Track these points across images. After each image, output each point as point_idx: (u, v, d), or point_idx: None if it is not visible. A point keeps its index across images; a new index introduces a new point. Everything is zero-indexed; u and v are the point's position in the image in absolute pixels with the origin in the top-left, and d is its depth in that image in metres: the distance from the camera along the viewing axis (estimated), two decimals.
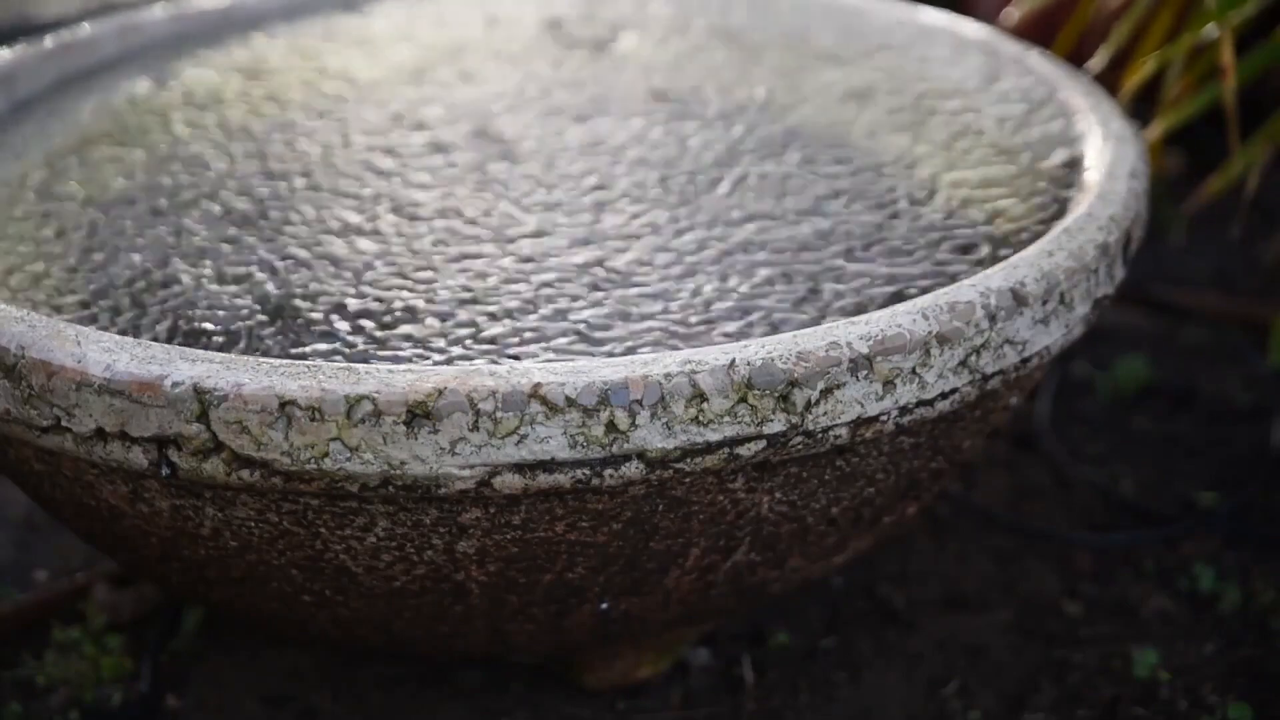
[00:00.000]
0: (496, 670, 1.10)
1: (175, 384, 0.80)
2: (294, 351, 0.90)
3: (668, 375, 0.79)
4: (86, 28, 1.29)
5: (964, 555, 1.22)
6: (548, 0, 1.41)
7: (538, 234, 1.02)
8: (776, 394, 0.81)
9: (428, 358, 0.89)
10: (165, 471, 0.81)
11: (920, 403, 0.85)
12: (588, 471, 0.80)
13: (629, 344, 0.90)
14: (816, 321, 0.92)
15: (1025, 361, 0.89)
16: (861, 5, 1.35)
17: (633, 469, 0.80)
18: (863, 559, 1.17)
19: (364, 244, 1.01)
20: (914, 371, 0.84)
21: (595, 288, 0.96)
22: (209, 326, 0.93)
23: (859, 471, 0.89)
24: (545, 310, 0.94)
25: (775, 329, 0.91)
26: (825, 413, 0.82)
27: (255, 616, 1.01)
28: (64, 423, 0.82)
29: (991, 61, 1.24)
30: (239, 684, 1.10)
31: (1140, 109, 1.42)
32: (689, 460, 0.81)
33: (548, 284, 0.96)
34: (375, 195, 1.07)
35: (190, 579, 0.94)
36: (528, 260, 0.99)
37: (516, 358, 0.88)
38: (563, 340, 0.91)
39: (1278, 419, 1.37)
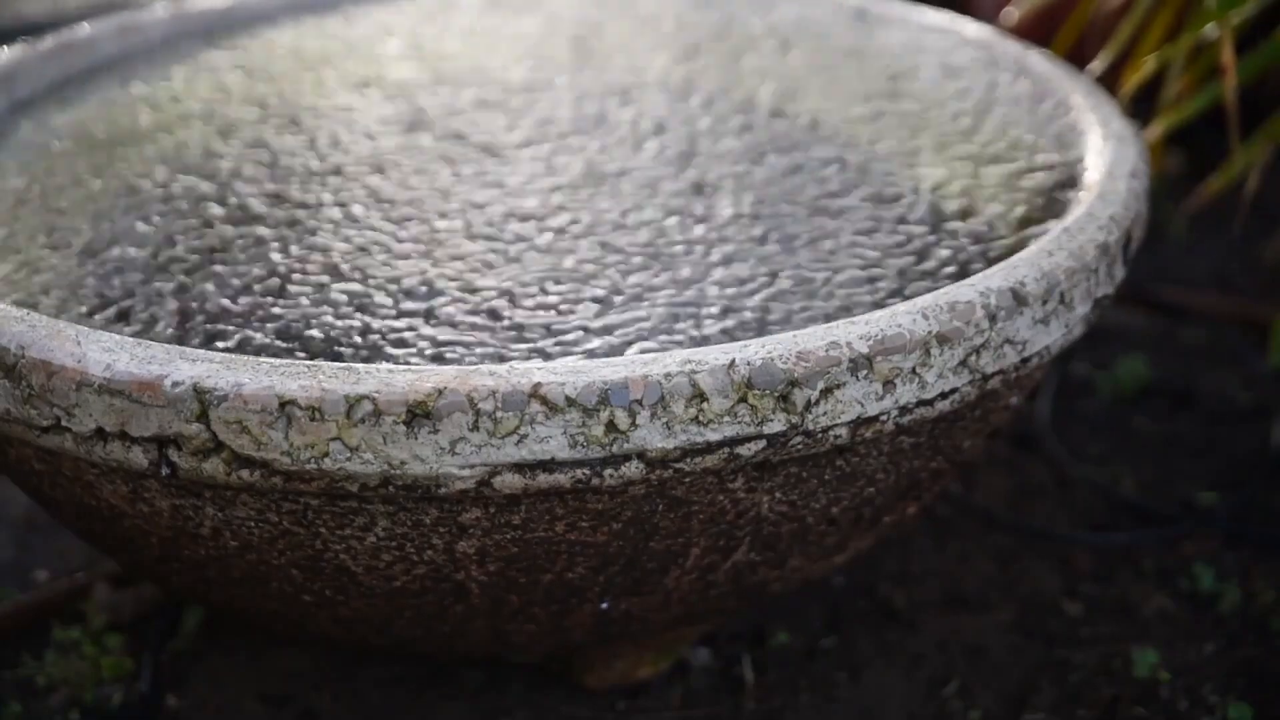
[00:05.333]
0: (496, 670, 1.10)
1: (175, 384, 0.79)
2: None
3: (668, 375, 0.79)
4: (86, 28, 1.29)
5: (964, 555, 1.22)
6: None
7: None
8: (776, 394, 0.81)
9: None
10: (165, 471, 0.81)
11: (920, 402, 0.85)
12: (588, 471, 0.80)
13: None
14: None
15: (1025, 361, 0.89)
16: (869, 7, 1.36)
17: (633, 469, 0.80)
18: (863, 559, 1.17)
19: None
20: (914, 371, 0.84)
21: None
22: None
23: (859, 471, 0.89)
24: None
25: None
26: (825, 412, 0.82)
27: (255, 616, 1.01)
28: (64, 422, 0.82)
29: (991, 61, 1.24)
30: (239, 684, 1.10)
31: (1140, 109, 1.42)
32: (689, 460, 0.81)
33: None
34: None
35: (190, 579, 0.94)
36: None
37: None
38: None
39: (1278, 419, 1.37)
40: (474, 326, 0.92)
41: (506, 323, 0.92)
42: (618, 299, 0.94)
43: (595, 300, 0.94)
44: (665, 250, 1.00)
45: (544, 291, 0.95)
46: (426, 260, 0.99)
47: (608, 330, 0.91)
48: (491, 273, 0.97)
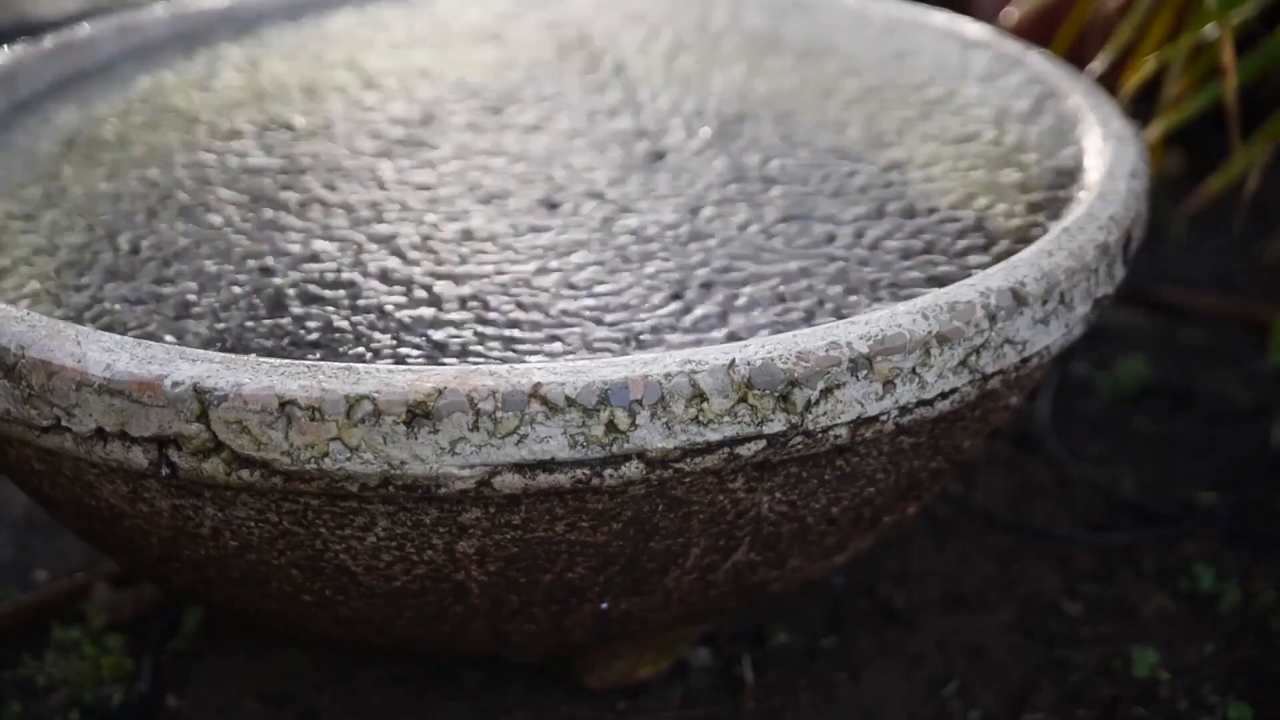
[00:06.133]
0: (496, 670, 1.10)
1: (175, 384, 0.80)
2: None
3: (668, 375, 0.79)
4: (86, 28, 1.29)
5: (964, 555, 1.22)
6: None
7: None
8: (776, 394, 0.81)
9: None
10: (165, 471, 0.81)
11: (920, 402, 0.85)
12: (588, 471, 0.80)
13: None
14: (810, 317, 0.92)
15: (1025, 361, 0.89)
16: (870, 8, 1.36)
17: (633, 469, 0.80)
18: (863, 559, 1.17)
19: None
20: (914, 371, 0.84)
21: None
22: None
23: (859, 471, 0.89)
24: None
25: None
26: (825, 412, 0.82)
27: (255, 616, 1.01)
28: (64, 422, 0.82)
29: (991, 61, 1.24)
30: (239, 684, 1.10)
31: (1140, 109, 1.42)
32: (689, 460, 0.81)
33: None
34: None
35: (190, 579, 0.94)
36: None
37: None
38: None
39: (1278, 419, 1.37)
40: None
41: None
42: None
43: None
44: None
45: None
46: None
47: None
48: None
